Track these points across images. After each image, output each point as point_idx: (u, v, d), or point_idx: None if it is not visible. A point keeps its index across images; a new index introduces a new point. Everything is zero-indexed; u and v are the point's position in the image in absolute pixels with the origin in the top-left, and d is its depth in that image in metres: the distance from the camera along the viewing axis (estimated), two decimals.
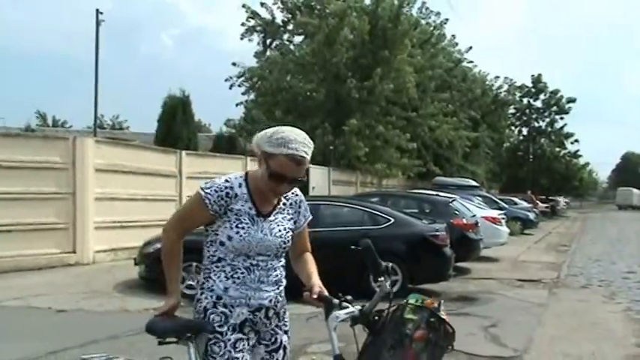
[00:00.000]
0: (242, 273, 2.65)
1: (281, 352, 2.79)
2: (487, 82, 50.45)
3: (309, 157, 2.67)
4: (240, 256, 2.65)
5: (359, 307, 2.60)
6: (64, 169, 12.51)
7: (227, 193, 2.64)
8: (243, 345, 2.62)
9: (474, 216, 14.31)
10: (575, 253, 18.68)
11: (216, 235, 2.68)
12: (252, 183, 2.72)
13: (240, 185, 2.69)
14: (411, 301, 2.54)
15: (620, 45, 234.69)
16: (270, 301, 2.72)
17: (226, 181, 2.69)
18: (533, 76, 62.26)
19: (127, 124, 64.92)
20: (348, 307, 2.60)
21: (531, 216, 29.29)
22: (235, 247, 2.64)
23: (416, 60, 29.97)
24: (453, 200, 14.49)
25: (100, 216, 12.96)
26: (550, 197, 53.68)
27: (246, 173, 2.78)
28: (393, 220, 10.15)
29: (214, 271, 2.68)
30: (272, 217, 2.73)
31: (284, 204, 2.81)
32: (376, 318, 2.55)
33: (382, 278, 2.69)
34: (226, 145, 25.93)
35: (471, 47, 43.70)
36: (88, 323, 7.58)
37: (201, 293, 2.70)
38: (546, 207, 44.86)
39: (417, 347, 2.41)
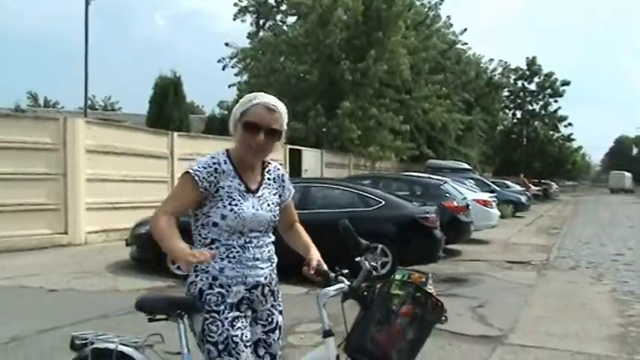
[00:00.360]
0: (237, 252, 2.64)
1: (277, 332, 2.81)
2: (481, 65, 50.44)
3: (282, 113, 2.70)
4: (234, 234, 2.64)
5: (348, 283, 2.62)
6: (54, 149, 12.52)
7: (215, 169, 2.64)
8: (242, 322, 2.62)
9: (464, 199, 14.38)
10: (565, 236, 18.79)
11: (208, 218, 2.66)
12: (235, 157, 2.73)
13: (225, 162, 2.69)
14: (397, 277, 2.56)
15: (615, 30, 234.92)
16: (266, 278, 2.72)
17: (212, 157, 2.69)
18: (527, 58, 62.28)
19: (119, 105, 64.76)
20: (343, 282, 2.63)
21: (523, 199, 29.38)
22: (230, 226, 2.62)
23: (410, 42, 29.89)
24: (445, 183, 14.56)
25: (91, 197, 12.98)
26: (543, 180, 53.93)
27: (227, 150, 2.78)
28: (383, 202, 10.19)
29: None
30: (260, 193, 2.74)
31: (268, 179, 2.82)
32: (365, 293, 2.56)
33: (360, 258, 2.68)
34: (219, 126, 25.87)
35: (465, 29, 43.73)
36: (80, 302, 7.62)
37: (196, 275, 2.66)
38: (539, 190, 45.04)
39: (402, 322, 2.43)
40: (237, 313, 2.63)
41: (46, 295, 7.94)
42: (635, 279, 10.53)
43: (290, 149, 22.10)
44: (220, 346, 2.57)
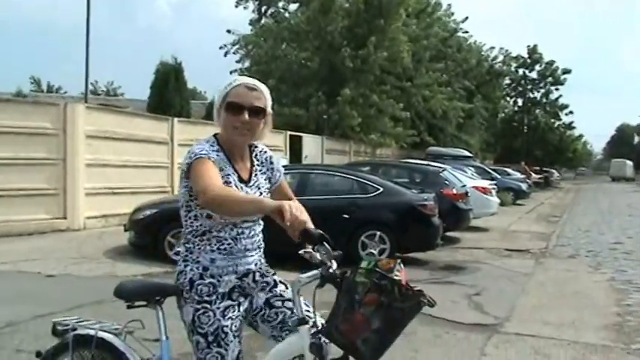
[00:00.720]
0: (229, 244, 2.61)
1: (281, 285, 2.75)
2: (482, 53, 50.28)
3: (263, 92, 2.68)
4: (227, 226, 2.59)
5: (320, 270, 2.52)
6: (54, 134, 12.50)
7: (217, 155, 2.59)
8: (233, 312, 2.59)
9: (464, 186, 14.34)
10: (565, 224, 18.79)
11: (203, 209, 2.57)
12: (224, 145, 2.67)
13: (218, 150, 2.63)
14: (363, 264, 2.44)
15: (616, 17, 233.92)
16: (256, 264, 2.71)
17: (211, 145, 2.63)
18: (528, 46, 62.20)
19: (122, 91, 64.73)
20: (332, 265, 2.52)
21: (524, 186, 29.35)
22: (224, 218, 2.57)
23: (411, 30, 29.81)
24: (444, 170, 14.54)
25: (90, 182, 12.98)
26: (544, 168, 53.87)
27: (216, 138, 2.71)
28: (382, 189, 10.19)
29: (198, 244, 2.62)
30: (252, 182, 2.70)
31: (257, 165, 2.78)
32: (338, 280, 2.46)
33: (309, 249, 2.53)
34: None
35: (466, 17, 43.44)
36: (76, 288, 7.62)
37: (185, 265, 2.63)
38: (540, 178, 45.01)
39: (366, 311, 2.33)
40: (229, 302, 2.60)
41: (44, 280, 7.95)
42: (634, 268, 10.54)
43: (290, 135, 22.09)
44: (210, 337, 2.54)
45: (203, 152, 2.54)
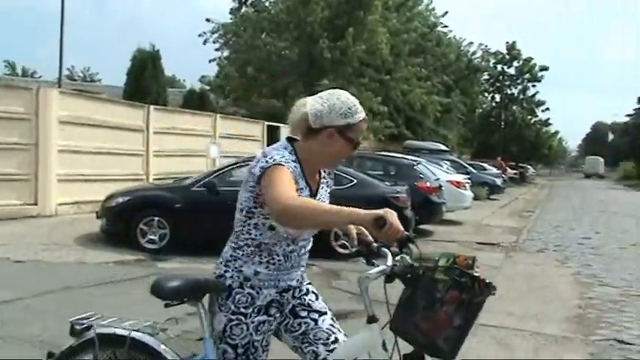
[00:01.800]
0: (279, 260, 2.52)
1: (311, 294, 2.70)
2: (461, 48, 50.50)
3: None
4: (285, 241, 2.51)
5: (390, 264, 2.50)
6: (26, 119, 12.39)
7: (295, 166, 2.44)
8: (266, 327, 2.53)
9: (438, 179, 14.49)
10: (537, 219, 19.01)
11: (266, 219, 2.45)
12: (305, 159, 2.52)
13: (295, 161, 2.47)
14: (441, 262, 2.40)
15: (595, 13, 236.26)
16: (297, 280, 2.66)
17: (290, 154, 2.48)
18: (507, 42, 62.48)
19: (99, 77, 64.12)
20: (386, 256, 2.52)
21: (498, 181, 29.58)
22: (290, 233, 2.47)
23: (391, 23, 29.83)
24: (418, 163, 14.65)
25: (63, 168, 12.90)
26: (520, 164, 54.37)
27: (293, 146, 2.54)
28: (355, 180, 10.26)
29: (249, 254, 2.51)
30: (318, 196, 2.59)
31: (323, 177, 2.67)
32: (408, 276, 2.42)
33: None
34: (197, 101, 25.75)
35: (446, 12, 43.60)
36: (45, 274, 7.59)
37: (225, 270, 2.53)
38: (515, 173, 45.45)
39: (448, 309, 2.32)
40: (265, 318, 2.53)
41: (12, 266, 7.91)
42: (599, 262, 10.73)
43: (268, 126, 22.07)
44: (239, 350, 2.49)
45: (283, 160, 2.39)
